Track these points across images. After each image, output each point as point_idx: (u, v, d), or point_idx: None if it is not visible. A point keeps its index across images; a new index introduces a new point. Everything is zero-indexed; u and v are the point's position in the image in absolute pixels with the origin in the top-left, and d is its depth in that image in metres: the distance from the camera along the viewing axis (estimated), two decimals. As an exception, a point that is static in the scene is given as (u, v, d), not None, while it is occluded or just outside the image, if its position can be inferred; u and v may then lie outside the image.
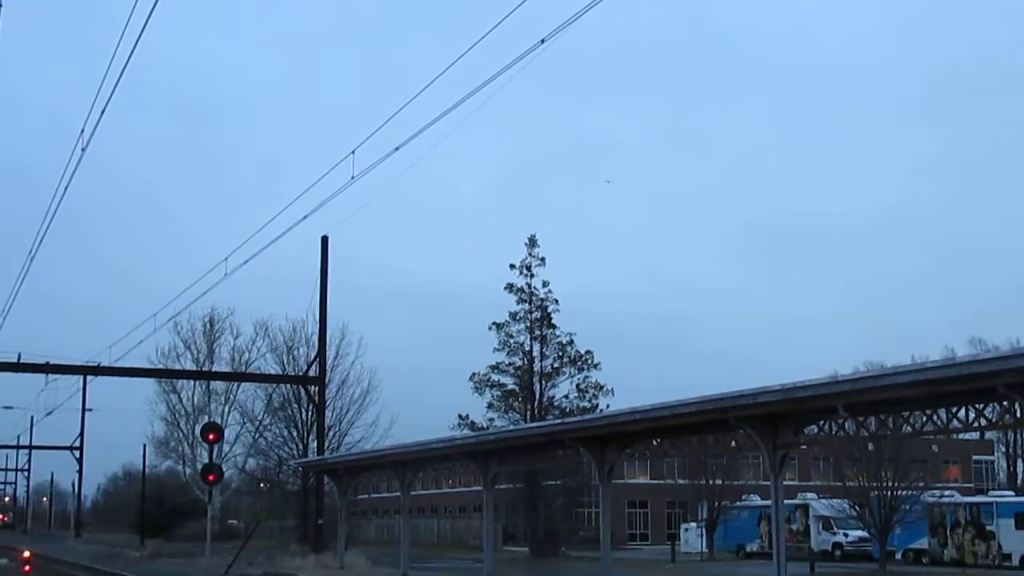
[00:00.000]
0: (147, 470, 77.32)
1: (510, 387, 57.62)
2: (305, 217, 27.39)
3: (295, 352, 61.68)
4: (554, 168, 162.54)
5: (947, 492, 51.12)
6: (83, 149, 22.69)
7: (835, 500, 51.07)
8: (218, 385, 61.69)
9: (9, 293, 50.76)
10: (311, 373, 51.44)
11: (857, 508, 45.30)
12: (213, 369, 60.00)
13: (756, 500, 57.61)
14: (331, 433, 57.60)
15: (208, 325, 62.04)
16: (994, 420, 17.55)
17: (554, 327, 57.80)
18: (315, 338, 52.65)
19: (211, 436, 43.99)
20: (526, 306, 57.67)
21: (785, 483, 21.28)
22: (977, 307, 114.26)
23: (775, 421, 19.44)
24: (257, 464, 66.11)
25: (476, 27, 18.72)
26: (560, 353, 57.64)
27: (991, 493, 55.15)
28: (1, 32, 19.31)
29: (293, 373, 58.05)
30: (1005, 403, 16.36)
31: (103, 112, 20.55)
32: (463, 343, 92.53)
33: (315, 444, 53.19)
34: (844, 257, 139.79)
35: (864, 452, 42.78)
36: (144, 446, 71.50)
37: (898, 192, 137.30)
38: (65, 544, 78.07)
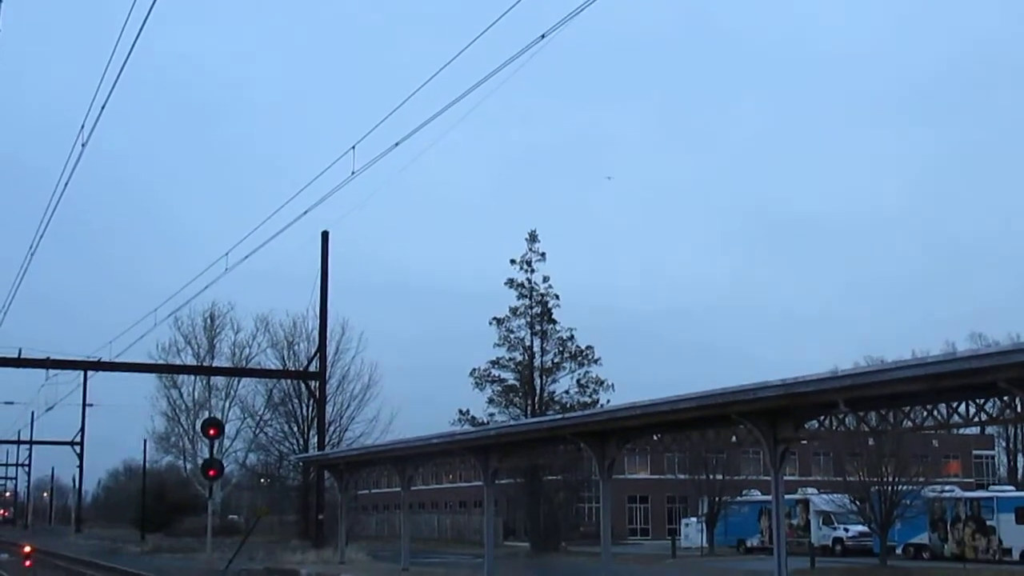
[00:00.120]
0: (148, 465, 77.49)
1: (510, 382, 57.58)
2: (306, 212, 27.38)
3: (296, 347, 61.85)
4: (555, 164, 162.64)
5: (947, 487, 51.18)
6: (83, 145, 22.68)
7: (835, 495, 51.06)
8: (219, 380, 61.76)
9: (9, 290, 50.65)
10: (312, 368, 51.46)
11: (858, 503, 45.33)
12: (214, 364, 60.02)
13: (756, 495, 57.63)
14: (331, 428, 57.70)
15: (209, 320, 62.13)
16: (994, 415, 17.49)
17: (554, 322, 57.77)
18: (315, 333, 52.76)
19: (212, 431, 44.11)
20: (526, 301, 57.62)
21: (785, 478, 21.27)
22: (977, 303, 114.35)
23: (775, 416, 19.43)
24: (258, 459, 66.24)
25: (476, 23, 18.73)
26: (560, 348, 57.59)
27: (991, 488, 55.19)
28: (1, 28, 19.27)
29: (294, 368, 58.13)
30: (1005, 398, 16.35)
31: (103, 108, 20.54)
32: (463, 338, 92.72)
33: (315, 439, 53.25)
34: (844, 254, 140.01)
35: (864, 447, 42.81)
36: (145, 441, 71.63)
37: (898, 189, 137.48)
38: (66, 539, 78.22)
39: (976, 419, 17.49)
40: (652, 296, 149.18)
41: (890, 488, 42.43)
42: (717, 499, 56.27)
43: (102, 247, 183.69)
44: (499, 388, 57.36)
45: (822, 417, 19.31)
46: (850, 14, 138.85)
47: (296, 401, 61.09)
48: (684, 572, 42.45)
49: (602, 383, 56.94)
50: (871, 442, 41.01)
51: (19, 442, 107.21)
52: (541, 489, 57.26)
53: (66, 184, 25.19)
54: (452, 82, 18.51)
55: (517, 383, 57.49)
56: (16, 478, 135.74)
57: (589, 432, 24.48)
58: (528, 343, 57.61)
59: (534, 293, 57.60)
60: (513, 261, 57.70)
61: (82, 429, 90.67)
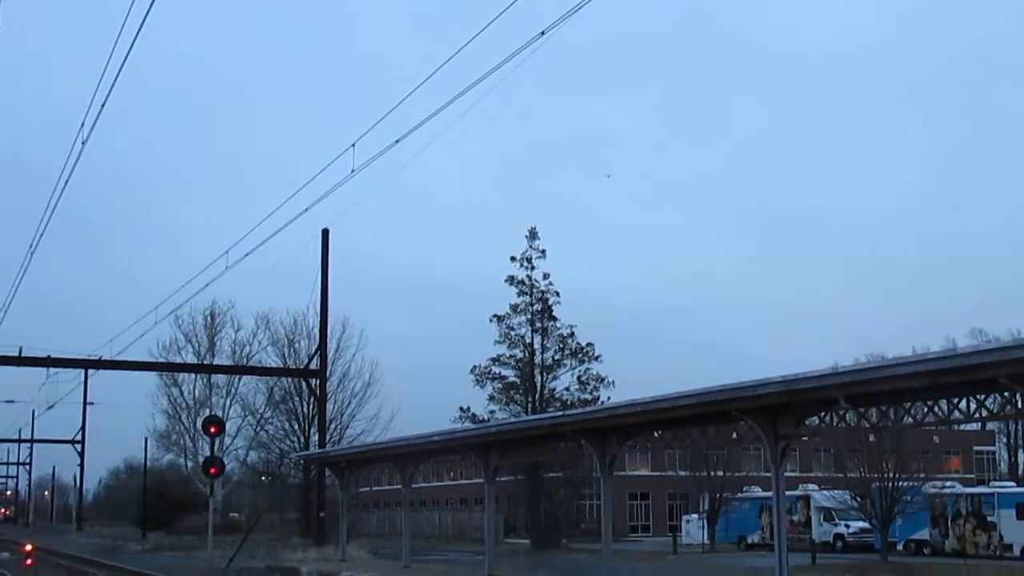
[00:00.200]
0: (149, 463, 77.43)
1: (511, 379, 57.63)
2: (306, 210, 27.33)
3: (296, 345, 61.86)
4: (554, 162, 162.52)
5: (948, 483, 51.17)
6: (83, 143, 22.65)
7: (836, 491, 51.11)
8: (219, 378, 61.74)
9: (9, 289, 50.61)
10: (312, 366, 51.47)
11: (858, 499, 45.37)
12: (214, 362, 60.01)
13: (757, 491, 57.66)
14: (332, 426, 57.69)
15: (209, 318, 62.12)
16: (995, 411, 17.48)
17: (555, 319, 57.81)
18: (316, 331, 52.76)
19: (212, 429, 44.13)
20: (527, 298, 57.67)
21: (786, 474, 21.25)
22: (977, 299, 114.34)
23: (776, 412, 19.41)
24: (259, 457, 66.22)
25: (476, 20, 18.71)
26: (561, 345, 57.64)
27: (992, 484, 55.23)
28: (0, 26, 19.25)
29: (294, 366, 58.12)
30: (1006, 394, 16.32)
31: (103, 106, 20.51)
32: (464, 336, 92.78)
33: (316, 437, 53.28)
34: (845, 252, 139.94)
35: (865, 443, 42.87)
36: (146, 439, 71.57)
37: (898, 187, 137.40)
38: (67, 537, 78.25)
39: (977, 415, 17.47)
40: (652, 294, 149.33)
41: (891, 484, 42.46)
42: (718, 496, 56.31)
43: (102, 246, 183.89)
44: (500, 385, 57.44)
45: (823, 413, 19.29)
46: (850, 14, 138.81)
47: (297, 399, 61.15)
48: (685, 569, 42.44)
49: (603, 380, 57.02)
50: (872, 438, 41.05)
51: (20, 441, 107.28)
52: (542, 486, 57.31)
53: (66, 182, 25.17)
54: (451, 79, 18.51)
55: (518, 380, 57.54)
56: (17, 477, 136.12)
57: (590, 429, 24.47)
58: (528, 340, 57.66)
59: (534, 290, 57.65)
60: (513, 258, 57.79)
61: (83, 427, 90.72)
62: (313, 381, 51.41)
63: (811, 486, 57.92)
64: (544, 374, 57.37)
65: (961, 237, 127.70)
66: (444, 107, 18.91)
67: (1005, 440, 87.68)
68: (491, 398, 57.19)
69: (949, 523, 47.68)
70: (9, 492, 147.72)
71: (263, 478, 71.32)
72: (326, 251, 47.96)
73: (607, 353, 58.39)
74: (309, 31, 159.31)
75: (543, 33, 16.09)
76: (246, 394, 62.21)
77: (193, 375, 61.52)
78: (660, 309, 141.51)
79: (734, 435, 22.92)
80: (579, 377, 57.17)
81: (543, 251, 57.93)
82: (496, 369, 57.53)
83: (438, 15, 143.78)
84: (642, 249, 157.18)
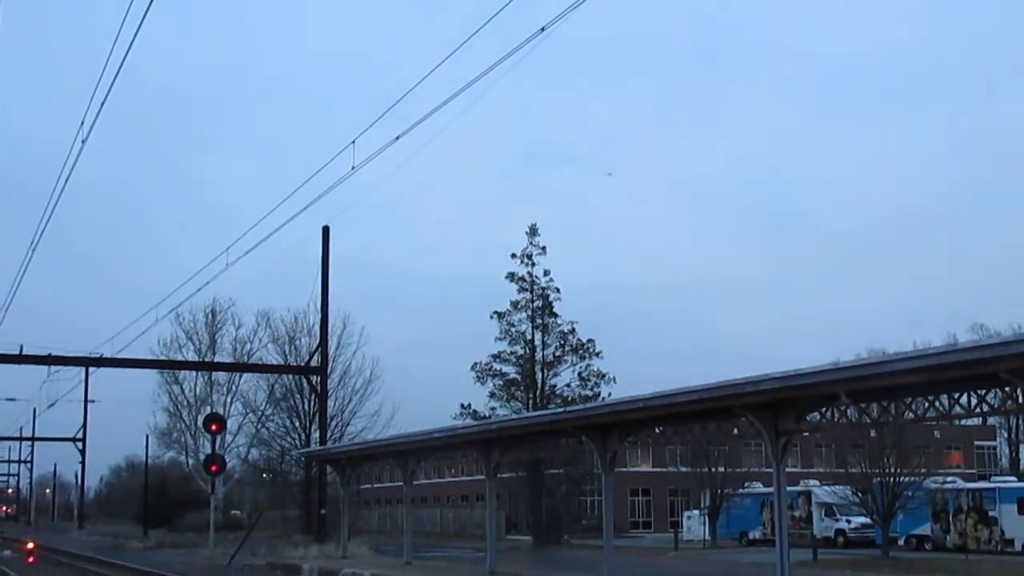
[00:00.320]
0: (150, 461, 77.48)
1: (512, 376, 57.68)
2: (306, 207, 27.38)
3: (297, 342, 61.81)
4: (555, 159, 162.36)
5: (949, 478, 51.17)
6: (83, 141, 22.65)
7: (837, 487, 51.09)
8: (220, 376, 61.70)
9: (10, 288, 50.56)
10: (313, 363, 51.50)
11: (859, 494, 45.33)
12: (215, 360, 59.98)
13: (758, 487, 57.69)
14: (333, 423, 57.70)
15: (210, 316, 62.05)
16: (996, 406, 17.52)
17: (555, 316, 57.85)
18: (317, 328, 52.72)
19: (214, 427, 44.14)
20: (527, 295, 57.68)
21: (787, 470, 21.28)
22: (978, 294, 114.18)
23: (777, 408, 19.43)
24: (260, 454, 66.25)
25: (476, 17, 18.70)
26: (562, 342, 57.66)
27: (993, 479, 55.22)
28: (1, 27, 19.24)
29: (295, 363, 58.09)
30: (1007, 389, 16.33)
31: (102, 105, 20.52)
32: (465, 333, 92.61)
33: (317, 434, 53.30)
34: (845, 249, 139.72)
35: (866, 439, 42.79)
36: (147, 437, 71.61)
37: (898, 186, 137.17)
38: (68, 535, 78.34)
39: (978, 410, 17.50)
40: (653, 292, 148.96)
41: (892, 479, 42.42)
42: (719, 491, 56.31)
43: (102, 246, 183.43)
44: (500, 382, 57.48)
45: (824, 409, 19.29)
46: (850, 14, 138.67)
47: (298, 396, 61.17)
48: (687, 564, 42.45)
49: (603, 376, 57.08)
50: (873, 434, 40.98)
51: (21, 439, 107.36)
52: (543, 483, 57.34)
53: (67, 181, 25.19)
54: (452, 77, 18.50)
55: (518, 377, 57.58)
56: (19, 475, 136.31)
57: (591, 425, 24.48)
58: (529, 337, 57.70)
59: (535, 287, 57.68)
60: (514, 255, 57.82)
61: (84, 425, 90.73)
62: (314, 378, 51.45)
63: (812, 482, 57.89)
64: (545, 370, 57.42)
65: (961, 234, 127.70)
66: (444, 104, 18.94)
67: (1006, 435, 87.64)
68: (492, 395, 57.28)
69: (950, 518, 47.68)
70: (11, 490, 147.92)
71: (264, 475, 71.35)
72: (327, 248, 48.00)
73: (608, 350, 58.47)
74: (309, 30, 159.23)
75: (543, 29, 16.09)
76: (247, 391, 62.28)
77: (194, 373, 61.50)
78: (660, 307, 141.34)
79: (735, 431, 22.90)
80: (580, 373, 57.26)
81: (543, 248, 58.01)
82: (497, 366, 57.61)
83: (439, 12, 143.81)
84: (642, 248, 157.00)
